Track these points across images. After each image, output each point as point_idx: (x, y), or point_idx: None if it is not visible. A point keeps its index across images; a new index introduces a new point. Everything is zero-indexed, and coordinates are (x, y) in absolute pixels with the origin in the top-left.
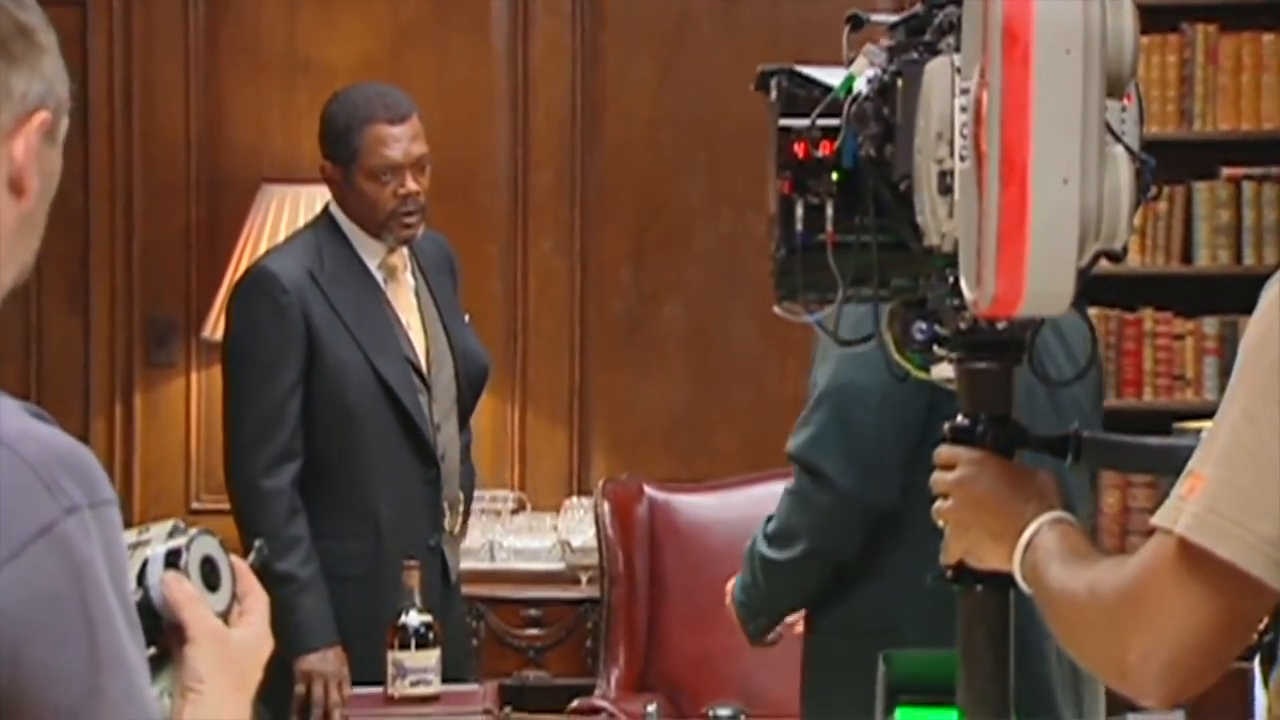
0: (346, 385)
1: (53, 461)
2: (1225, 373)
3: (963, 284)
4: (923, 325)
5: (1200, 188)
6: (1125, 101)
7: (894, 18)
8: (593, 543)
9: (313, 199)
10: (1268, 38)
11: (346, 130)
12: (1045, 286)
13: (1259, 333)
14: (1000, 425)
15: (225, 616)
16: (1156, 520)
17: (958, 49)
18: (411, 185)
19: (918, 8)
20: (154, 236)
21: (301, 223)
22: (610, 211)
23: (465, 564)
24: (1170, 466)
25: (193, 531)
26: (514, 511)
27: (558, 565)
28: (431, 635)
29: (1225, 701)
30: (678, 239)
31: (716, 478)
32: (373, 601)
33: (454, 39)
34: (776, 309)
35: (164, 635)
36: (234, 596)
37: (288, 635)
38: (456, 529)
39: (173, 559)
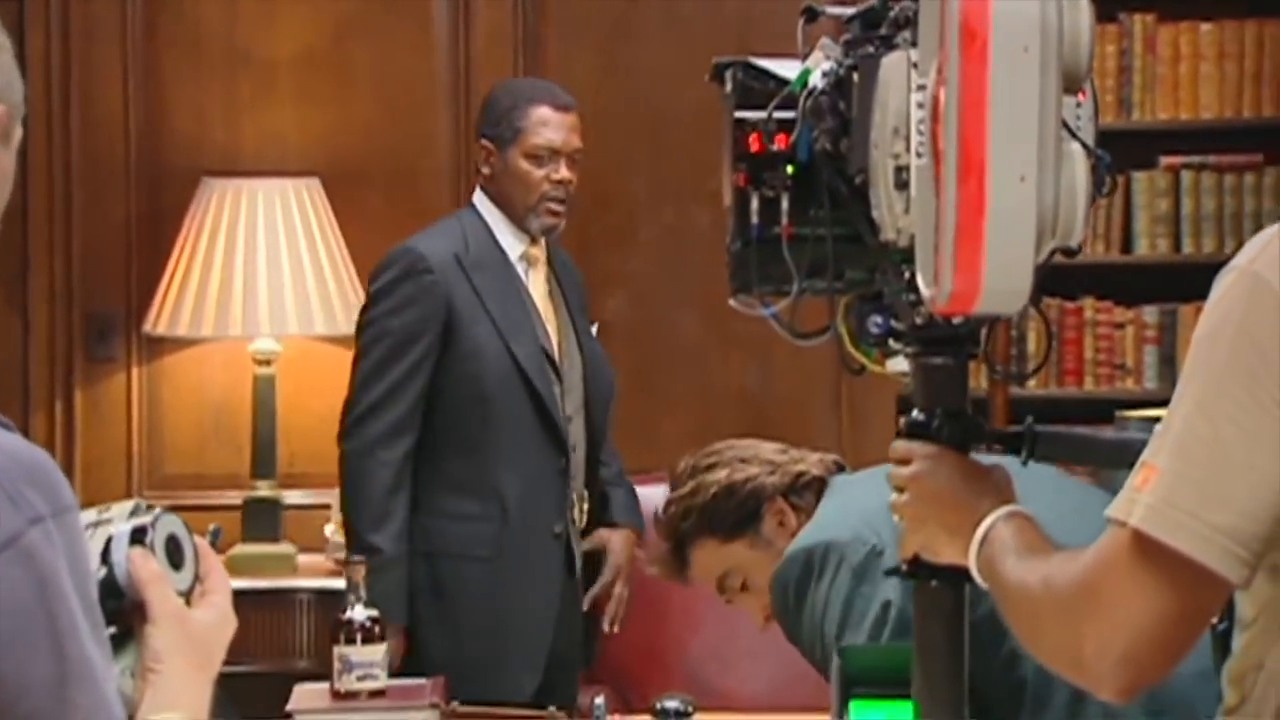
0: (483, 368)
1: (16, 471)
2: (1165, 361)
3: (920, 280)
4: (878, 319)
5: (1139, 177)
6: (1080, 98)
7: (849, 10)
8: None
9: (254, 192)
10: (1205, 27)
11: (512, 109)
12: (1002, 284)
13: (1211, 323)
14: (955, 420)
15: (188, 596)
16: (1111, 512)
17: (914, 43)
18: (565, 173)
19: (873, 1)
20: (93, 231)
21: (243, 215)
22: None
23: None
24: (1125, 460)
25: (156, 510)
26: None
27: None
28: (377, 630)
29: None
30: (622, 232)
31: (660, 470)
32: (496, 583)
33: (395, 29)
34: (731, 302)
35: (126, 614)
36: (197, 577)
37: None
38: (581, 521)
39: (138, 536)
